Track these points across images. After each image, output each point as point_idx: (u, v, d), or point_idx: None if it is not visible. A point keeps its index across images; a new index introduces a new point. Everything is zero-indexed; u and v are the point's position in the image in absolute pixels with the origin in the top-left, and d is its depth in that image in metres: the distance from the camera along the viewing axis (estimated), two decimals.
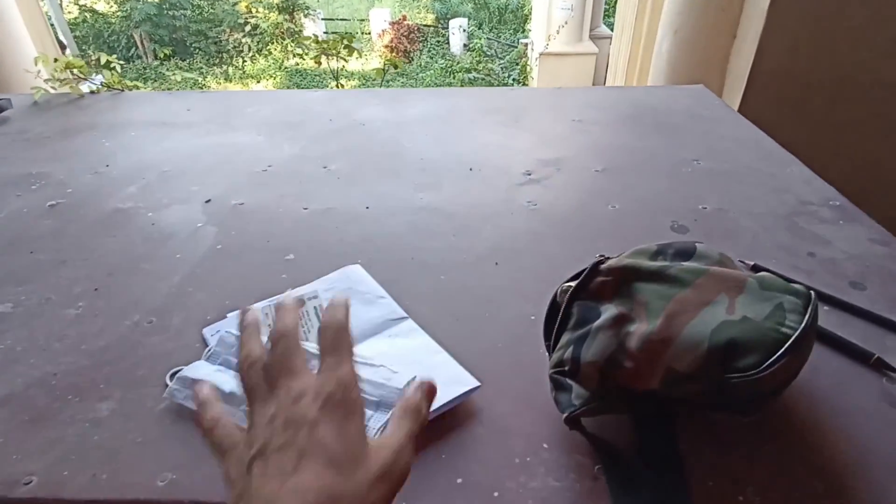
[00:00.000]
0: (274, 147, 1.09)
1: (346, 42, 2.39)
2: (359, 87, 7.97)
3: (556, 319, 0.50)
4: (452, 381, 0.52)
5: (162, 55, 8.84)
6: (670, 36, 1.89)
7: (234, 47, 9.29)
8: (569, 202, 0.87)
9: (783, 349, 0.41)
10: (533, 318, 0.61)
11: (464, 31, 9.44)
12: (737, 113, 1.22)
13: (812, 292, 0.47)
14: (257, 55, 9.31)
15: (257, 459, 0.36)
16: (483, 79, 7.38)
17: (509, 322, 0.61)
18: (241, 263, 0.73)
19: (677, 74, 1.88)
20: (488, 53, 8.73)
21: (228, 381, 0.52)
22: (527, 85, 7.14)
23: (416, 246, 0.76)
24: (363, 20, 10.67)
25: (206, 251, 0.76)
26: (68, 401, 0.52)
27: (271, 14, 9.25)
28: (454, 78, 7.89)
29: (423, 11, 11.29)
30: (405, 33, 9.53)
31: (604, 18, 7.03)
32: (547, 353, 0.52)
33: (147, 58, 9.18)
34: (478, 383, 0.51)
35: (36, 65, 1.40)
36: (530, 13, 8.29)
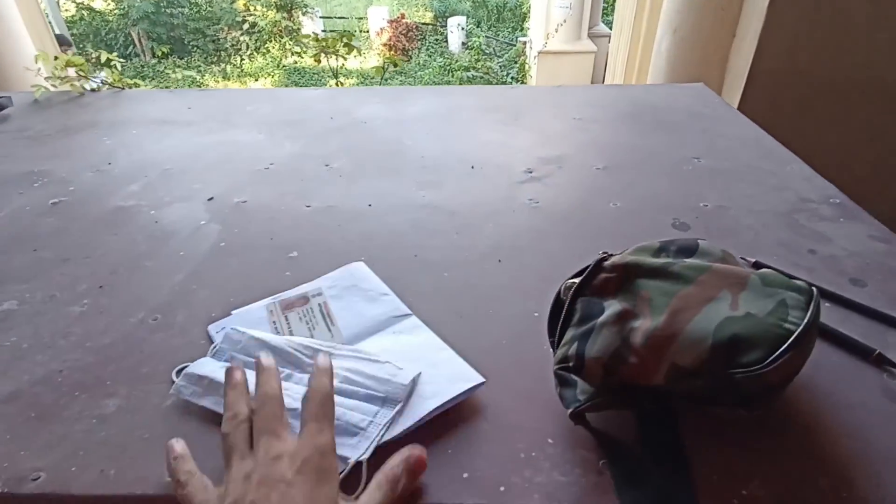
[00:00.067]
0: (275, 145, 1.10)
1: (345, 40, 2.38)
2: (357, 85, 7.97)
3: (560, 316, 0.50)
4: (457, 378, 0.52)
5: (160, 53, 8.83)
6: (669, 34, 1.90)
7: (232, 45, 9.28)
8: (570, 200, 0.88)
9: (786, 345, 0.42)
10: (536, 315, 0.61)
11: (462, 29, 9.43)
12: (737, 111, 1.23)
13: (814, 288, 0.48)
14: (255, 53, 9.30)
15: None
16: (482, 77, 7.38)
17: (512, 319, 0.62)
18: (244, 261, 0.73)
19: (676, 73, 1.88)
20: (487, 52, 8.73)
21: None
22: (525, 83, 7.14)
23: (418, 243, 0.76)
24: (361, 18, 10.67)
25: (210, 249, 0.76)
26: (74, 397, 0.53)
27: (269, 12, 9.23)
28: (453, 76, 7.89)
29: (421, 9, 11.29)
30: (403, 31, 9.52)
31: (602, 17, 7.02)
32: (551, 350, 0.52)
33: (145, 56, 9.16)
34: (483, 379, 0.52)
35: (36, 63, 1.40)
36: (529, 11, 8.29)
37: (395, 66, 2.59)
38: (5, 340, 0.60)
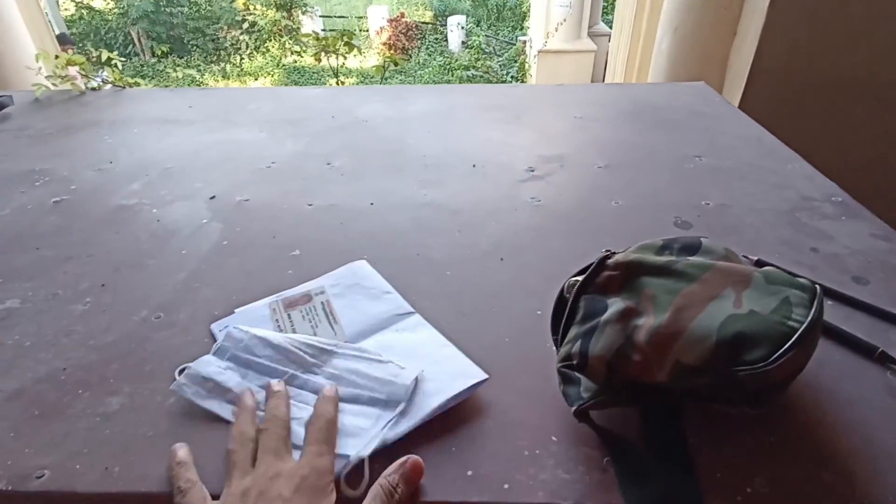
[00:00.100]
0: (276, 144, 1.09)
1: (346, 39, 2.38)
2: (357, 84, 7.96)
3: (564, 314, 0.50)
4: (460, 374, 0.52)
5: (159, 52, 8.82)
6: (670, 34, 1.90)
7: (232, 44, 9.27)
8: (572, 198, 0.88)
9: (790, 342, 0.42)
10: (539, 312, 0.62)
11: (462, 28, 9.43)
12: (738, 110, 1.23)
13: (817, 286, 0.48)
14: (255, 52, 9.29)
15: None
16: (481, 76, 7.38)
17: (515, 317, 0.62)
18: (246, 259, 0.73)
19: (677, 72, 1.88)
20: (486, 51, 8.73)
21: (234, 378, 0.52)
22: (525, 82, 7.14)
23: (420, 242, 0.76)
24: (361, 17, 10.66)
25: (212, 247, 0.76)
26: (78, 395, 0.53)
27: (269, 11, 9.22)
28: (452, 75, 7.89)
29: (420, 8, 11.28)
30: (403, 30, 9.52)
31: (602, 15, 7.02)
32: (554, 348, 0.52)
33: (144, 55, 9.15)
34: (486, 376, 0.52)
35: (37, 62, 1.40)
36: (528, 10, 8.29)
37: (396, 64, 2.59)
38: (8, 339, 0.60)
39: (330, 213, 0.84)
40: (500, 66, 7.88)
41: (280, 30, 9.23)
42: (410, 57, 9.09)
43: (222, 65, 9.08)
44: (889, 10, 1.47)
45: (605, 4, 7.34)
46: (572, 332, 0.48)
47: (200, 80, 8.59)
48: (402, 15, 9.89)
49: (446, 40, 9.64)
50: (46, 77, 1.38)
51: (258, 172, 0.98)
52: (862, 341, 0.56)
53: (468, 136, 1.12)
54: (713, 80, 1.70)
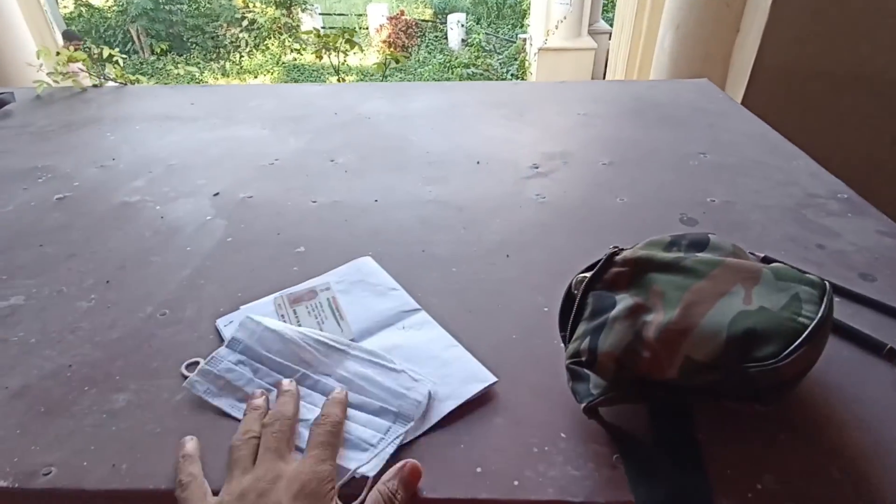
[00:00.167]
0: (279, 141, 1.09)
1: (347, 36, 2.38)
2: (358, 81, 7.95)
3: (572, 310, 0.50)
4: (470, 378, 0.52)
5: (158, 50, 8.80)
6: (672, 31, 1.89)
7: (231, 42, 9.26)
8: (577, 195, 0.87)
9: (801, 338, 0.42)
10: (546, 309, 0.61)
11: (462, 26, 9.42)
12: (741, 106, 1.22)
13: (826, 283, 0.47)
14: (254, 50, 9.28)
15: None
16: (481, 74, 7.37)
17: (522, 314, 0.62)
18: (251, 256, 0.73)
19: (679, 69, 1.88)
20: (487, 49, 8.71)
21: (245, 375, 0.52)
22: (525, 80, 7.13)
23: (425, 239, 0.76)
24: (361, 15, 10.65)
25: (216, 244, 0.76)
26: (84, 392, 0.52)
27: (268, 9, 9.21)
28: (452, 73, 7.88)
29: (420, 6, 11.26)
30: (403, 28, 9.50)
31: (603, 13, 7.02)
32: (562, 344, 0.52)
33: (143, 53, 9.13)
34: (495, 379, 0.51)
35: (38, 58, 1.39)
36: (529, 8, 8.28)
37: (397, 62, 2.58)
38: (13, 335, 0.60)
39: (334, 210, 0.84)
40: (500, 63, 7.87)
41: (280, 27, 9.22)
42: (410, 55, 9.08)
43: (222, 62, 9.07)
44: (892, 6, 1.47)
45: (606, 2, 7.33)
46: (581, 328, 0.48)
47: (200, 77, 8.57)
48: (402, 13, 9.87)
49: (446, 38, 9.63)
50: (48, 74, 1.37)
51: (261, 169, 0.97)
52: (870, 338, 0.56)
53: (471, 133, 1.11)
54: (715, 78, 1.70)
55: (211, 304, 0.64)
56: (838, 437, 0.46)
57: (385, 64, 2.89)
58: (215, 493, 0.42)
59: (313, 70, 8.77)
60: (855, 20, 1.50)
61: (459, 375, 0.52)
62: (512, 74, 7.46)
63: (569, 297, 0.52)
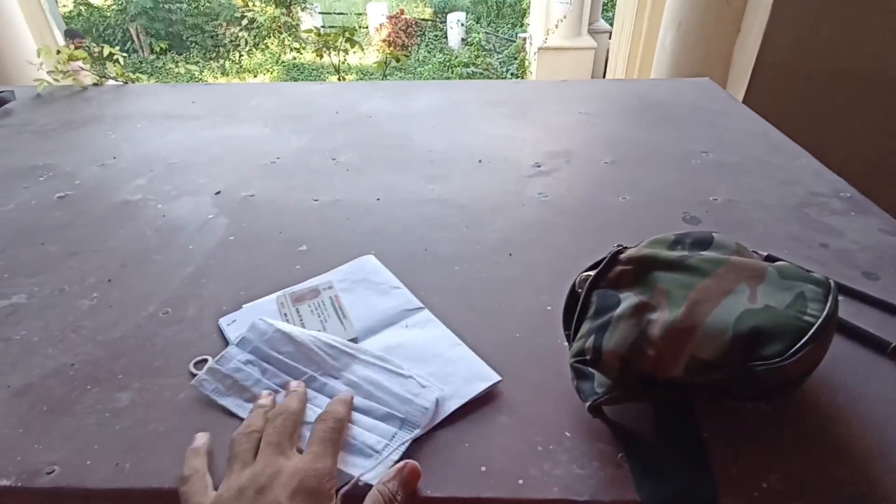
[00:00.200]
0: (281, 139, 1.09)
1: (347, 35, 2.38)
2: (358, 80, 7.94)
3: (576, 309, 0.50)
4: (474, 378, 0.51)
5: (158, 49, 8.79)
6: (673, 29, 1.89)
7: (231, 41, 9.25)
8: (579, 194, 0.87)
9: (807, 337, 0.42)
10: (549, 308, 0.61)
11: (462, 25, 9.41)
12: (743, 105, 1.22)
13: (831, 281, 0.47)
14: (254, 49, 9.27)
15: None
16: (481, 73, 7.36)
17: (525, 312, 0.61)
18: (254, 254, 0.73)
19: (680, 68, 1.88)
20: (486, 48, 8.71)
21: (253, 374, 0.52)
22: (525, 79, 7.13)
23: (428, 237, 0.76)
24: (360, 14, 10.63)
25: (218, 242, 0.75)
26: (87, 391, 0.52)
27: (268, 8, 9.20)
28: (452, 72, 7.88)
29: (420, 5, 11.26)
30: (403, 27, 9.50)
31: (602, 13, 7.01)
32: (566, 343, 0.52)
33: (143, 52, 9.12)
34: (499, 378, 0.51)
35: (39, 57, 1.39)
36: (528, 7, 8.27)
37: (398, 61, 2.57)
38: (15, 334, 0.59)
39: (336, 209, 0.83)
40: (500, 63, 7.86)
41: (279, 26, 9.21)
42: (410, 54, 9.07)
43: (221, 62, 9.06)
44: (893, 4, 1.47)
45: (606, 2, 7.33)
46: (585, 326, 0.48)
47: (200, 76, 8.57)
48: (402, 12, 9.86)
49: (446, 37, 9.62)
50: (49, 72, 1.37)
51: (263, 168, 0.97)
52: (874, 337, 0.55)
53: (473, 132, 1.11)
54: (717, 76, 1.69)
55: (213, 303, 0.63)
56: (843, 435, 0.46)
57: (385, 63, 2.89)
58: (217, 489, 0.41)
59: (313, 69, 8.77)
60: (856, 18, 1.50)
61: (463, 374, 0.52)
62: (512, 74, 7.45)
63: (573, 295, 0.52)
